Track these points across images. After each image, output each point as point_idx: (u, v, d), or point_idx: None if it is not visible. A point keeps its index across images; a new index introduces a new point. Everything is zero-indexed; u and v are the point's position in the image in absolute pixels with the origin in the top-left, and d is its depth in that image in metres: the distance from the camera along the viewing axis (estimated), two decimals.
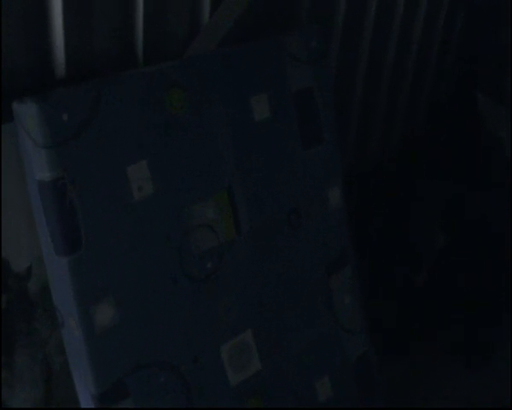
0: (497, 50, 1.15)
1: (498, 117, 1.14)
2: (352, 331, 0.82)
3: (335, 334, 0.81)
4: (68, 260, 0.62)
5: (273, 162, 0.75)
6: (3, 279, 0.66)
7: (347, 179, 0.97)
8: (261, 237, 0.74)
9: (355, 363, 0.82)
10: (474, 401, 0.91)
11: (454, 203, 1.06)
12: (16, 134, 0.64)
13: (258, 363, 0.75)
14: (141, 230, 0.66)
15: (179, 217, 0.68)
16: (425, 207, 1.07)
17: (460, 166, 1.12)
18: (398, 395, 0.91)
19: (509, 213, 1.05)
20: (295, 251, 0.77)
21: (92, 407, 0.65)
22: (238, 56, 0.72)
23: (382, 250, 1.01)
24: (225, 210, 0.72)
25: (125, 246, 0.65)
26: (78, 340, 0.64)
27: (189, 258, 0.69)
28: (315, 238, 0.79)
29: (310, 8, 0.89)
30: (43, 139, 0.60)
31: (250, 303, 0.74)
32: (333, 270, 0.81)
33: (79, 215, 0.62)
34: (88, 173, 0.63)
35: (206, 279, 0.71)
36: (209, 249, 0.71)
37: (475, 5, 1.14)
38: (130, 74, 0.65)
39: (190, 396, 0.70)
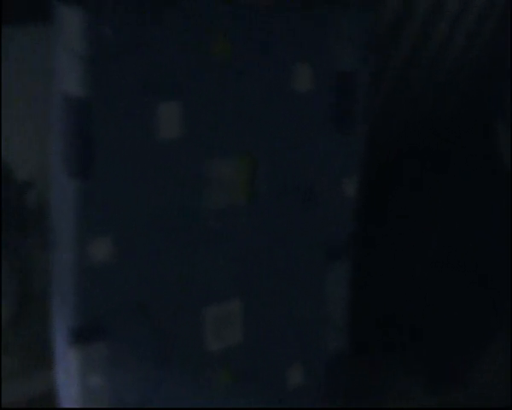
0: None
1: None
2: (335, 324, 0.80)
3: (319, 323, 0.79)
4: (77, 185, 0.58)
5: (302, 137, 0.72)
6: (3, 186, 0.63)
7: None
8: (271, 208, 0.72)
9: (331, 356, 0.81)
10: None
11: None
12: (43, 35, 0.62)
13: (240, 335, 0.73)
14: (157, 172, 0.63)
15: (198, 168, 0.65)
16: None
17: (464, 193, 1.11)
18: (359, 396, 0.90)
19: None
20: (301, 230, 0.75)
21: (66, 339, 0.62)
22: (290, 20, 0.69)
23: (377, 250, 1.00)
24: (243, 173, 0.69)
25: (138, 184, 0.62)
26: (67, 267, 0.61)
27: (197, 213, 0.66)
28: (322, 222, 0.76)
29: None
30: (81, 51, 0.56)
31: (246, 273, 0.72)
32: (332, 258, 0.79)
33: (99, 141, 0.59)
34: (118, 100, 0.59)
35: (209, 238, 0.68)
36: (218, 209, 0.68)
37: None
38: (182, 7, 0.62)
39: (165, 351, 0.68)
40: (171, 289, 0.67)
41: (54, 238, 0.62)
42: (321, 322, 0.80)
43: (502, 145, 1.14)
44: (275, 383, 0.77)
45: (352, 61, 0.75)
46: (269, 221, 0.72)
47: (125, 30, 0.59)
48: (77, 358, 0.62)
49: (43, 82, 0.63)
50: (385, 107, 1.06)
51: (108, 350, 0.64)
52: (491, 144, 1.16)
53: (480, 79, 1.22)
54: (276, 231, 0.73)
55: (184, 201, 0.66)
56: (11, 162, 0.63)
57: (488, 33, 1.13)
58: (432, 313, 0.99)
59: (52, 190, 0.62)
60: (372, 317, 0.98)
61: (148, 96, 0.61)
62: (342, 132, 0.76)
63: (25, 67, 0.62)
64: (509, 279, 1.01)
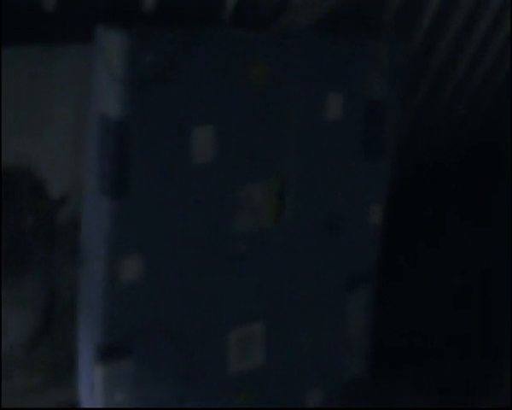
0: None
1: None
2: (355, 349, 0.81)
3: (340, 347, 0.79)
4: (111, 204, 0.59)
5: (331, 163, 0.72)
6: (36, 201, 0.64)
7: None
8: (298, 233, 0.72)
9: (350, 380, 0.81)
10: None
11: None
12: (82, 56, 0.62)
13: (262, 357, 0.73)
14: (189, 194, 0.63)
15: (228, 192, 0.66)
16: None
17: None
18: None
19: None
20: (326, 255, 0.75)
21: (92, 355, 0.63)
22: (325, 47, 0.69)
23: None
24: (272, 198, 0.69)
25: (170, 206, 0.62)
26: (97, 285, 0.62)
27: (225, 236, 0.67)
28: (347, 248, 0.77)
29: (394, 19, 0.87)
30: (121, 74, 0.56)
31: (270, 296, 0.72)
32: (355, 285, 0.79)
33: (134, 162, 0.59)
34: (154, 123, 0.60)
35: (236, 262, 0.68)
36: (246, 232, 0.68)
37: None
38: (221, 34, 0.63)
39: (189, 373, 0.68)
40: (197, 310, 0.68)
41: (84, 255, 0.63)
42: (341, 347, 0.80)
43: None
44: (294, 405, 0.77)
45: (382, 90, 0.75)
46: (295, 245, 0.73)
47: (164, 55, 0.59)
48: (102, 374, 0.63)
49: (80, 100, 0.64)
50: (409, 133, 1.07)
51: (134, 368, 0.64)
52: (504, 161, 1.16)
53: (499, 103, 1.22)
54: (302, 255, 0.74)
55: (214, 223, 0.66)
56: (44, 177, 0.64)
57: (507, 65, 1.13)
58: (448, 336, 0.99)
59: (85, 207, 0.62)
60: (390, 340, 0.98)
61: (183, 120, 0.61)
62: (371, 160, 0.76)
63: (62, 85, 0.63)
64: None
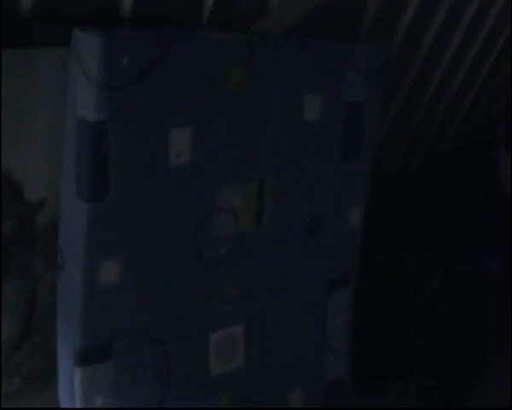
0: None
1: None
2: (336, 352, 0.81)
3: (320, 351, 0.79)
4: (89, 207, 0.59)
5: (309, 165, 0.72)
6: (13, 205, 0.64)
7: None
8: (278, 236, 0.72)
9: (331, 382, 0.81)
10: None
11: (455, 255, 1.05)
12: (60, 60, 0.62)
13: (242, 359, 0.73)
14: (167, 197, 0.63)
15: (206, 195, 0.66)
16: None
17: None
18: None
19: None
20: (305, 258, 0.75)
21: (72, 360, 0.62)
22: (304, 50, 0.70)
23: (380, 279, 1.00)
24: (252, 200, 0.69)
25: (148, 209, 0.62)
26: (75, 289, 0.61)
27: (205, 239, 0.67)
28: (326, 252, 0.77)
29: (373, 21, 0.87)
30: (97, 77, 0.56)
31: (250, 299, 0.72)
32: (334, 288, 0.79)
33: (112, 165, 0.59)
34: (131, 126, 0.59)
35: (215, 264, 0.68)
36: (226, 235, 0.68)
37: None
38: (199, 37, 0.63)
39: (170, 377, 0.68)
40: (177, 313, 0.67)
41: (62, 259, 0.63)
42: (323, 348, 0.80)
43: (501, 170, 1.15)
44: (275, 407, 0.77)
45: (361, 92, 0.75)
46: (274, 248, 0.73)
47: (141, 58, 0.59)
48: (82, 379, 0.62)
49: (57, 104, 0.64)
50: (389, 135, 1.07)
51: (113, 371, 0.64)
52: (491, 170, 1.17)
53: (483, 107, 1.23)
54: (282, 258, 0.74)
55: (194, 226, 0.66)
56: (22, 181, 0.64)
57: (492, 60, 1.14)
58: (432, 339, 1.00)
59: (62, 210, 0.62)
60: (373, 342, 0.98)
61: (161, 123, 0.61)
62: (350, 162, 0.76)
63: (39, 89, 0.63)
64: (508, 303, 1.01)
